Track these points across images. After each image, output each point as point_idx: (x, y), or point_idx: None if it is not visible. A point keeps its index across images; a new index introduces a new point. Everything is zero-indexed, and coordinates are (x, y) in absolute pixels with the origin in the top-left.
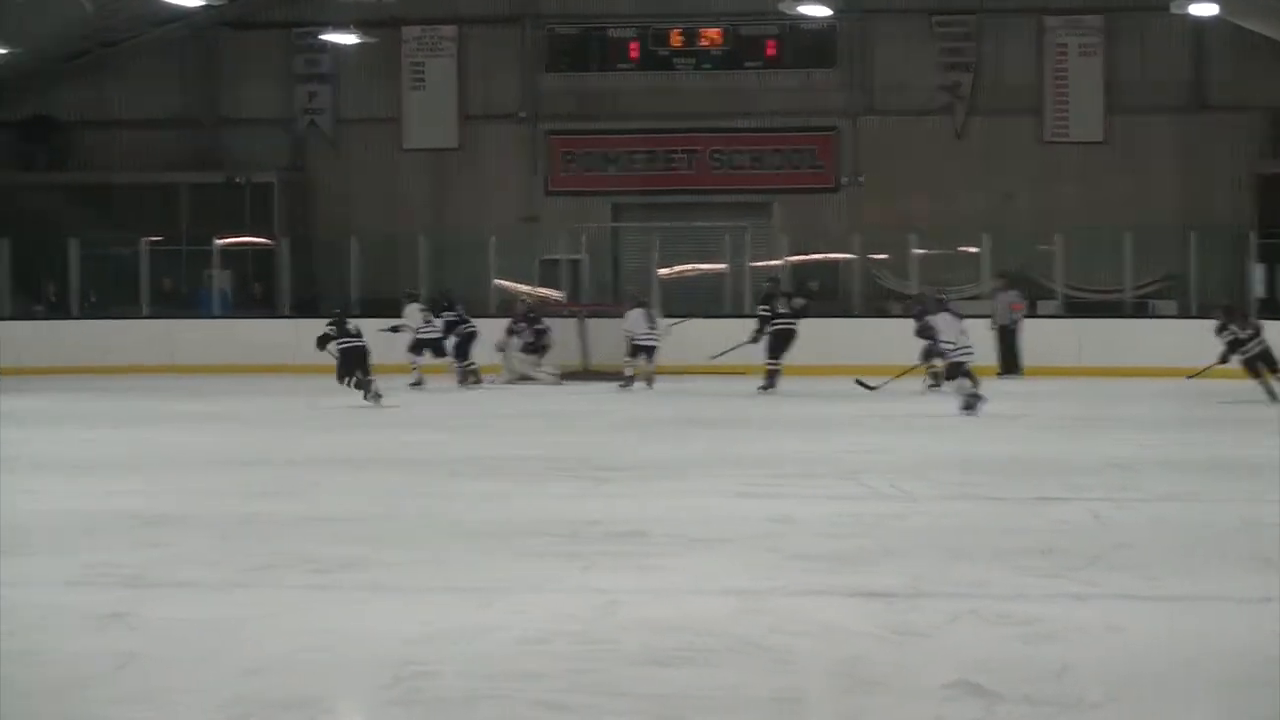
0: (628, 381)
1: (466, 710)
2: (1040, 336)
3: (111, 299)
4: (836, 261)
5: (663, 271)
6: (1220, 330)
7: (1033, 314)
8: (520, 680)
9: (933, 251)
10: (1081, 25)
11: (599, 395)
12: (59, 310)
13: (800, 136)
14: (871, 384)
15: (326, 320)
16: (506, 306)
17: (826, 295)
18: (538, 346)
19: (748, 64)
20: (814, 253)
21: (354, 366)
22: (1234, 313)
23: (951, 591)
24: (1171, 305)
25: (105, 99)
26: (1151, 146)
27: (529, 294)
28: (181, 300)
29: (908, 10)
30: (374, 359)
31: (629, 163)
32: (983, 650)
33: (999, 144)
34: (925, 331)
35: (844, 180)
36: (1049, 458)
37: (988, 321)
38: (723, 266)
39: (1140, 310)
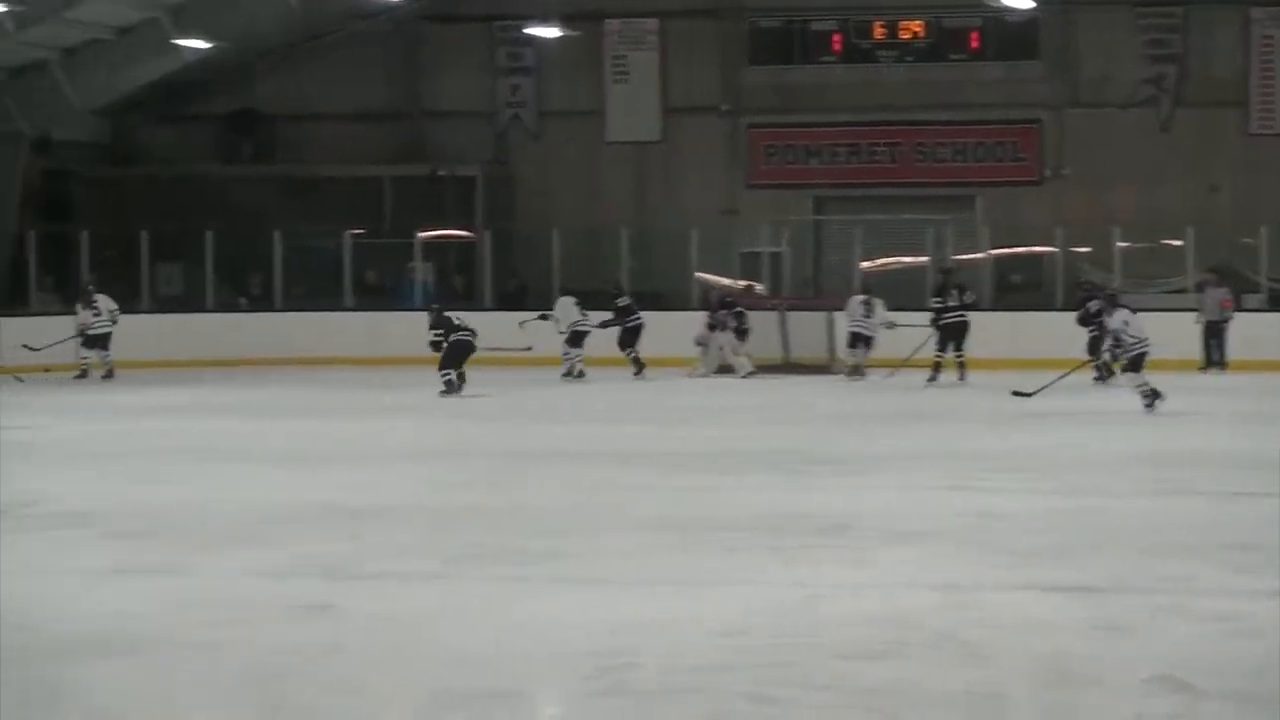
0: (853, 370)
1: (670, 701)
2: (1244, 330)
3: (315, 291)
4: (1039, 255)
5: (865, 265)
6: None
7: (1238, 307)
8: (721, 672)
9: (1136, 245)
10: None
11: (800, 388)
12: (263, 303)
13: (1003, 129)
14: (1028, 391)
15: (428, 317)
16: (704, 299)
17: (1029, 289)
18: (741, 330)
19: (951, 56)
20: (1016, 246)
21: (463, 359)
22: None
23: (1154, 587)
24: None
25: (309, 92)
26: None
27: (729, 286)
28: (384, 293)
29: (1111, 2)
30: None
31: (830, 156)
32: (1185, 646)
33: (1204, 136)
34: (1088, 319)
35: (1047, 173)
36: (1249, 453)
37: (1194, 315)
38: (925, 260)
39: None
